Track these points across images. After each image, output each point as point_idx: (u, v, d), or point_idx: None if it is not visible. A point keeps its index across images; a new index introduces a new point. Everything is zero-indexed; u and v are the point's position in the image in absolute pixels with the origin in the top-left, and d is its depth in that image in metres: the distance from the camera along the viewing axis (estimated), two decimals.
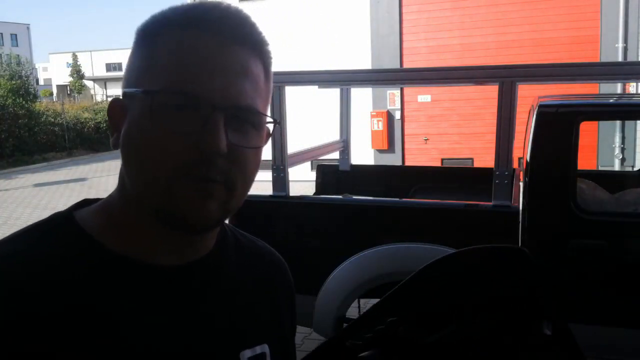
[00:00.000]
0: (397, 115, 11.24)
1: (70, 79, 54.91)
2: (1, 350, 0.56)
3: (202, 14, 0.65)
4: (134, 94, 0.65)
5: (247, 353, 0.73)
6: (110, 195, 0.72)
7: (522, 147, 3.33)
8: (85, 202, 0.73)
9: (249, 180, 0.69)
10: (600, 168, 9.33)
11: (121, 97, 0.68)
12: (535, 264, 0.82)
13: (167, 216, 0.64)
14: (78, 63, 54.99)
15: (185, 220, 0.64)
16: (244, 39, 0.66)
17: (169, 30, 0.65)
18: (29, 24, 67.00)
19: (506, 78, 2.89)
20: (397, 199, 3.52)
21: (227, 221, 0.76)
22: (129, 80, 0.67)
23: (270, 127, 0.71)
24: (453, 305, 0.79)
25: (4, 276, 0.60)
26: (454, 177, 4.45)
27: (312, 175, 4.88)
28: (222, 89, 0.63)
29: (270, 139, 0.73)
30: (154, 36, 0.66)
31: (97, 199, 0.74)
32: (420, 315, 0.77)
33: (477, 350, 0.77)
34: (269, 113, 0.71)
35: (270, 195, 3.31)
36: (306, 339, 4.05)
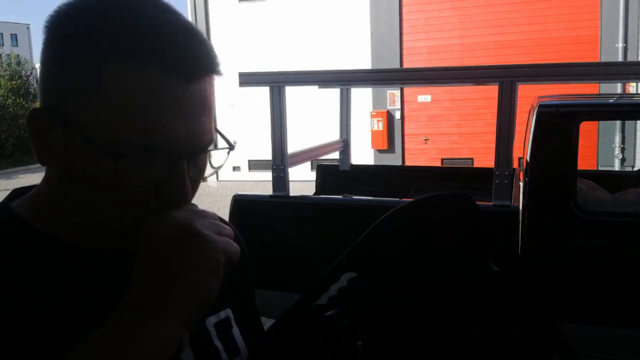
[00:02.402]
0: (397, 115, 11.24)
1: None
2: None
3: (156, 41, 0.56)
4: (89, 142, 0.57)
5: (212, 319, 0.72)
6: (40, 186, 0.68)
7: (522, 147, 3.33)
8: (19, 192, 0.70)
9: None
10: (600, 168, 9.33)
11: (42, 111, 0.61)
12: (477, 206, 0.85)
13: (105, 239, 0.64)
14: None
15: (121, 244, 0.63)
16: (202, 68, 0.59)
17: (117, 59, 0.56)
18: (29, 24, 66.91)
19: (506, 78, 2.89)
20: (397, 199, 3.52)
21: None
22: (69, 109, 0.58)
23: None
24: (408, 256, 0.80)
25: None
26: (454, 177, 4.45)
27: (312, 175, 4.88)
28: (185, 135, 0.58)
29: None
30: (98, 62, 0.56)
31: (31, 187, 0.70)
32: (377, 268, 0.77)
33: (435, 296, 0.78)
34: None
35: (270, 195, 3.31)
36: None
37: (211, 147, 0.64)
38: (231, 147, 0.68)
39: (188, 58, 0.58)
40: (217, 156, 0.66)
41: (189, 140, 0.59)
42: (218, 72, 0.62)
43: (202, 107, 0.60)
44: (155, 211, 0.59)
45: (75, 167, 0.59)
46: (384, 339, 0.73)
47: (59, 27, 0.60)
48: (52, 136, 0.60)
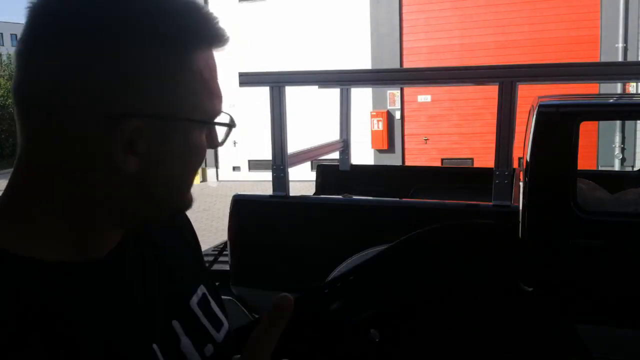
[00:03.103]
0: (397, 115, 11.24)
1: None
2: None
3: (215, 28, 0.64)
4: (172, 120, 0.61)
5: (194, 299, 0.75)
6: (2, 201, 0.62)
7: (522, 147, 3.33)
8: None
9: None
10: (600, 168, 9.33)
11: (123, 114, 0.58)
12: (510, 240, 0.84)
13: (178, 211, 0.69)
14: None
15: (176, 214, 0.70)
16: (220, 39, 0.67)
17: (198, 46, 0.62)
18: None
19: (506, 78, 2.89)
20: (397, 199, 3.52)
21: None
22: (151, 104, 0.59)
23: None
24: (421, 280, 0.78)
25: None
26: (454, 177, 4.44)
27: (312, 175, 4.88)
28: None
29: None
30: (186, 52, 0.61)
31: None
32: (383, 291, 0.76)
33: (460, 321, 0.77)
34: None
35: (270, 195, 3.31)
36: None
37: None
38: (232, 124, 0.70)
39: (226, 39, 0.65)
40: (220, 132, 0.70)
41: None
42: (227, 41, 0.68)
43: (216, 74, 0.66)
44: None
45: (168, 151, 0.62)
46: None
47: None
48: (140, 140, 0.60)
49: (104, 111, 0.56)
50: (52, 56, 0.56)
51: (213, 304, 0.78)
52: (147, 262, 0.71)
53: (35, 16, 0.58)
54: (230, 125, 0.68)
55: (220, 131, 0.68)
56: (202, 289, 0.77)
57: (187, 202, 0.68)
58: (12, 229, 0.59)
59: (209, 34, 0.63)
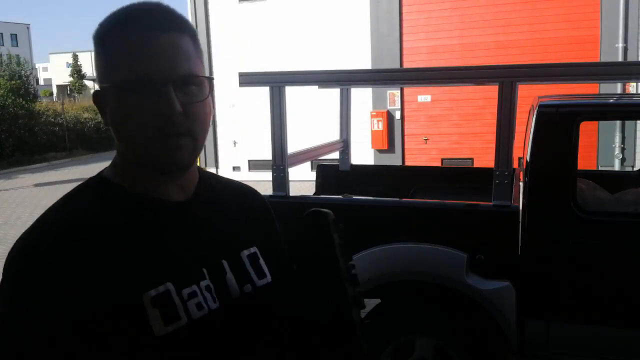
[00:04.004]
0: (397, 115, 11.24)
1: (71, 79, 54.88)
2: (72, 276, 0.81)
3: (137, 14, 0.88)
4: (107, 89, 0.89)
5: (245, 252, 1.02)
6: (115, 158, 0.97)
7: (522, 147, 3.33)
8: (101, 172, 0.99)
9: (206, 126, 0.94)
10: (600, 168, 9.33)
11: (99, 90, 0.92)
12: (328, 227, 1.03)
13: (150, 167, 0.91)
14: (79, 63, 54.97)
15: (161, 167, 0.91)
16: (169, 25, 0.88)
17: (115, 33, 0.88)
18: (29, 24, 66.90)
19: (506, 78, 2.89)
20: (397, 199, 3.52)
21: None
22: (100, 77, 0.91)
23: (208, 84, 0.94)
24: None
25: (65, 225, 0.86)
26: (454, 177, 4.44)
27: (312, 175, 4.88)
28: (164, 67, 0.86)
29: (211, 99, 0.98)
30: (105, 40, 0.89)
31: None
32: None
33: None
34: (206, 72, 0.96)
35: (270, 195, 3.30)
36: None
37: (197, 84, 0.91)
38: (210, 78, 0.93)
39: (159, 20, 0.88)
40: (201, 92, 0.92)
41: (168, 72, 0.86)
42: (185, 28, 0.91)
43: (176, 51, 0.88)
44: (164, 127, 0.87)
45: (112, 116, 0.89)
46: None
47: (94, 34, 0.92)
48: (102, 103, 0.91)
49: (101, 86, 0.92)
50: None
51: (262, 261, 1.03)
52: (211, 214, 1.00)
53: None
54: (135, 80, 0.86)
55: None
56: (254, 249, 1.03)
57: (164, 160, 0.90)
58: (126, 177, 0.95)
59: (127, 21, 0.89)
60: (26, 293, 0.80)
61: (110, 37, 0.88)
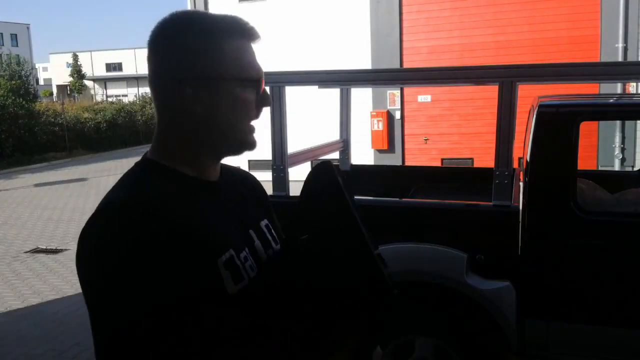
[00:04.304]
0: (397, 115, 11.24)
1: (71, 79, 54.88)
2: (151, 249, 0.91)
3: (240, 26, 1.07)
4: (217, 83, 1.04)
5: (262, 223, 1.21)
6: (164, 145, 1.08)
7: (522, 147, 3.33)
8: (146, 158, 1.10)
9: None
10: (600, 168, 9.33)
11: (182, 82, 1.02)
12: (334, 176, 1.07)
13: (233, 149, 1.10)
14: (78, 63, 54.97)
15: (244, 148, 1.11)
16: (256, 37, 1.10)
17: (229, 39, 1.04)
18: (29, 24, 66.91)
19: (506, 78, 2.89)
20: (397, 199, 3.52)
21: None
22: (202, 68, 1.02)
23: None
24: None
25: (157, 211, 0.96)
26: (454, 177, 4.44)
27: None
28: (260, 70, 1.09)
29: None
30: (219, 42, 1.03)
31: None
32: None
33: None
34: None
35: (270, 195, 3.30)
36: None
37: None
38: (252, 81, 1.10)
39: (253, 33, 1.09)
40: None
41: (260, 74, 1.09)
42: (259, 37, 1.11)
43: (255, 55, 1.09)
44: (256, 116, 1.10)
45: (201, 111, 1.03)
46: None
47: (180, 37, 1.04)
48: (190, 98, 1.02)
49: (178, 79, 1.02)
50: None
51: (272, 231, 1.22)
52: (235, 191, 1.18)
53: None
54: (253, 80, 1.07)
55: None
56: (265, 221, 1.22)
57: (250, 142, 1.11)
58: (175, 160, 1.07)
59: (236, 30, 1.06)
60: (125, 267, 0.89)
61: (227, 41, 1.04)
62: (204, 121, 1.04)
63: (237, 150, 1.10)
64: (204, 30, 1.02)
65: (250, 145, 1.11)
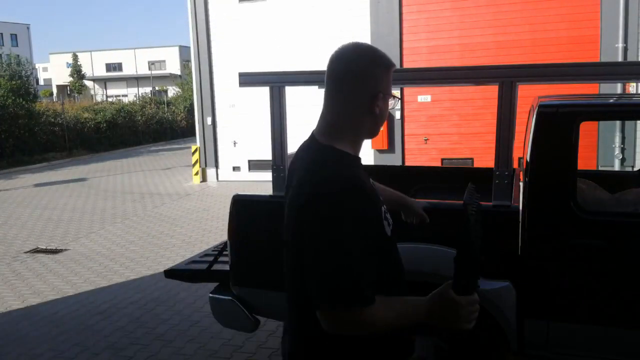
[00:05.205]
0: (397, 115, 11.24)
1: (70, 79, 54.87)
2: (368, 211, 1.48)
3: (391, 61, 1.61)
4: (385, 96, 1.59)
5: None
6: (345, 136, 1.59)
7: (522, 147, 3.33)
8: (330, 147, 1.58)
9: None
10: (600, 168, 9.33)
11: (376, 93, 1.57)
12: None
13: (375, 134, 1.63)
14: (78, 63, 54.96)
15: (376, 134, 1.65)
16: (394, 67, 1.64)
17: (388, 69, 1.59)
18: (29, 24, 66.89)
19: (506, 78, 2.89)
20: None
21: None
22: (381, 88, 1.57)
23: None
24: None
25: (358, 182, 1.49)
26: (454, 177, 4.44)
27: None
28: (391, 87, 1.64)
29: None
30: (386, 69, 1.58)
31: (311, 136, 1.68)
32: None
33: None
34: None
35: (270, 195, 3.31)
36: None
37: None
38: (397, 97, 1.67)
39: (389, 60, 1.60)
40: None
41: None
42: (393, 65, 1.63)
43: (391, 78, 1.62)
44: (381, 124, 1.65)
45: (377, 112, 1.58)
46: None
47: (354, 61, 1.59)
48: (373, 103, 1.56)
49: (370, 93, 1.56)
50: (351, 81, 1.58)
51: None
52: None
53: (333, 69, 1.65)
54: (395, 97, 1.64)
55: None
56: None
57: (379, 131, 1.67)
58: (339, 141, 1.57)
59: (388, 63, 1.59)
60: (353, 223, 1.40)
61: (388, 70, 1.59)
62: (375, 118, 1.58)
63: (375, 135, 1.66)
64: (388, 60, 1.59)
65: (378, 132, 1.68)
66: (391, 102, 1.61)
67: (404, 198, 2.42)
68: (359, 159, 1.61)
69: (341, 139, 1.55)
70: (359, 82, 1.54)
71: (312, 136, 1.62)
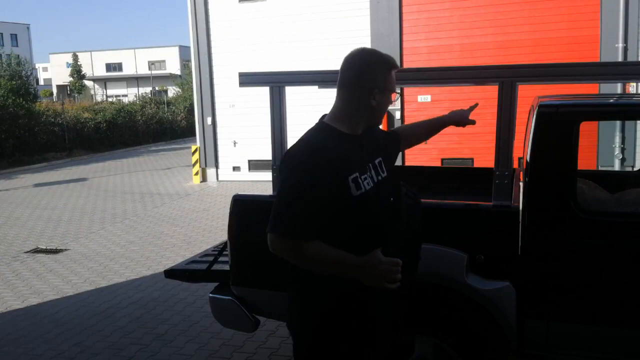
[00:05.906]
0: (397, 115, 11.24)
1: (70, 79, 54.86)
2: (326, 176, 1.85)
3: (392, 61, 2.05)
4: (383, 91, 2.01)
5: (377, 160, 2.12)
6: (339, 115, 2.01)
7: (522, 147, 3.33)
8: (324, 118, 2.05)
9: None
10: (600, 168, 9.33)
11: (373, 87, 1.99)
12: None
13: (377, 120, 2.09)
14: (78, 63, 54.96)
15: (381, 121, 2.11)
16: (397, 67, 2.08)
17: (390, 69, 2.03)
18: (29, 24, 66.93)
19: (506, 78, 2.89)
20: None
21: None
22: (380, 84, 2.00)
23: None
24: None
25: (322, 151, 1.89)
26: (454, 177, 4.44)
27: None
28: (394, 85, 2.07)
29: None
30: (386, 70, 2.02)
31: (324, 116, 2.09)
32: None
33: None
34: None
35: (270, 196, 3.31)
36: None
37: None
38: (397, 92, 2.11)
39: (390, 62, 2.05)
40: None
41: (395, 87, 2.08)
42: (397, 67, 2.08)
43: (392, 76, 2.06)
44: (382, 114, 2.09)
45: (373, 105, 2.01)
46: None
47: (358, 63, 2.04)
48: (369, 96, 1.99)
49: (367, 87, 1.99)
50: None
51: (383, 164, 2.15)
52: (370, 141, 2.09)
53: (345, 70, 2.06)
54: (395, 92, 2.07)
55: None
56: (380, 158, 2.14)
57: (381, 121, 2.08)
58: (339, 123, 2.01)
59: (389, 64, 2.02)
60: (305, 178, 1.83)
61: (388, 70, 2.01)
62: (372, 109, 2.00)
63: (376, 124, 2.09)
64: (390, 61, 2.02)
65: (380, 122, 2.09)
66: (390, 96, 2.04)
67: (442, 120, 3.06)
68: (355, 136, 2.01)
69: (341, 122, 1.98)
70: (358, 78, 1.97)
71: (321, 119, 2.05)
